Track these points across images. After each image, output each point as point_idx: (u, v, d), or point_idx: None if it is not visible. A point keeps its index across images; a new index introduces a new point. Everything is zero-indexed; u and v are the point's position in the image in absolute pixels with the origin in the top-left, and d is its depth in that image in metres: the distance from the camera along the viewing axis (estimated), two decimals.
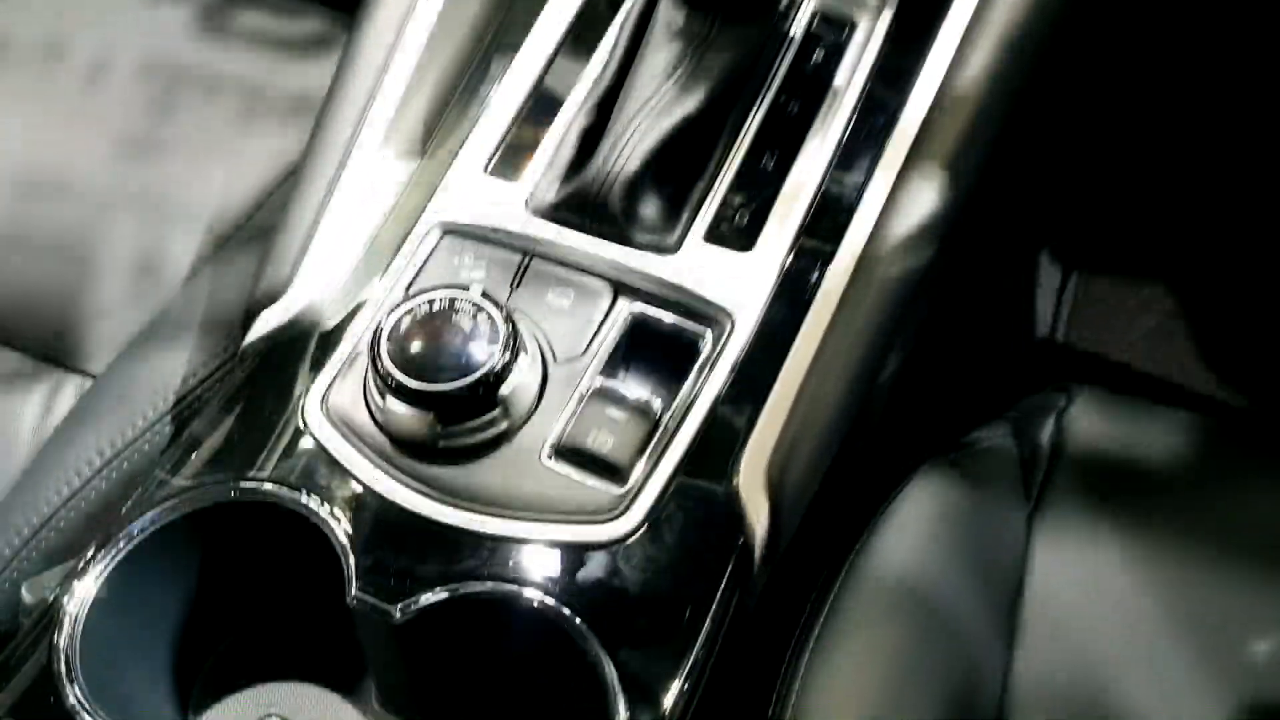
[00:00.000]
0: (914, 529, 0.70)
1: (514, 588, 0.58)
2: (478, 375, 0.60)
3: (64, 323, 0.85)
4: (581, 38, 0.77)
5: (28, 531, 0.70)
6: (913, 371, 0.80)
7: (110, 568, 0.59)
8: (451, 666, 0.62)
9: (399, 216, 0.72)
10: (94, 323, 0.85)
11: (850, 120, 0.72)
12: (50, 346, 0.85)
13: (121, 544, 0.60)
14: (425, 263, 0.70)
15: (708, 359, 0.65)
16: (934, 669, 0.65)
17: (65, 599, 0.58)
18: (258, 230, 0.87)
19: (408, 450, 0.63)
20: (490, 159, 0.74)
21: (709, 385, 0.64)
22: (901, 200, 0.67)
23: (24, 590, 0.65)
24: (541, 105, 0.76)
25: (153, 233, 0.89)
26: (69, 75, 0.98)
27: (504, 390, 0.61)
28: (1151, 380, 1.17)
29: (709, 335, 0.66)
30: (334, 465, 0.62)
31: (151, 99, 0.98)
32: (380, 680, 0.64)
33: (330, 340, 0.68)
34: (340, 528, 0.60)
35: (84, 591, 0.59)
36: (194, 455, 0.64)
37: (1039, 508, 0.74)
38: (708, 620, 0.57)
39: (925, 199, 0.68)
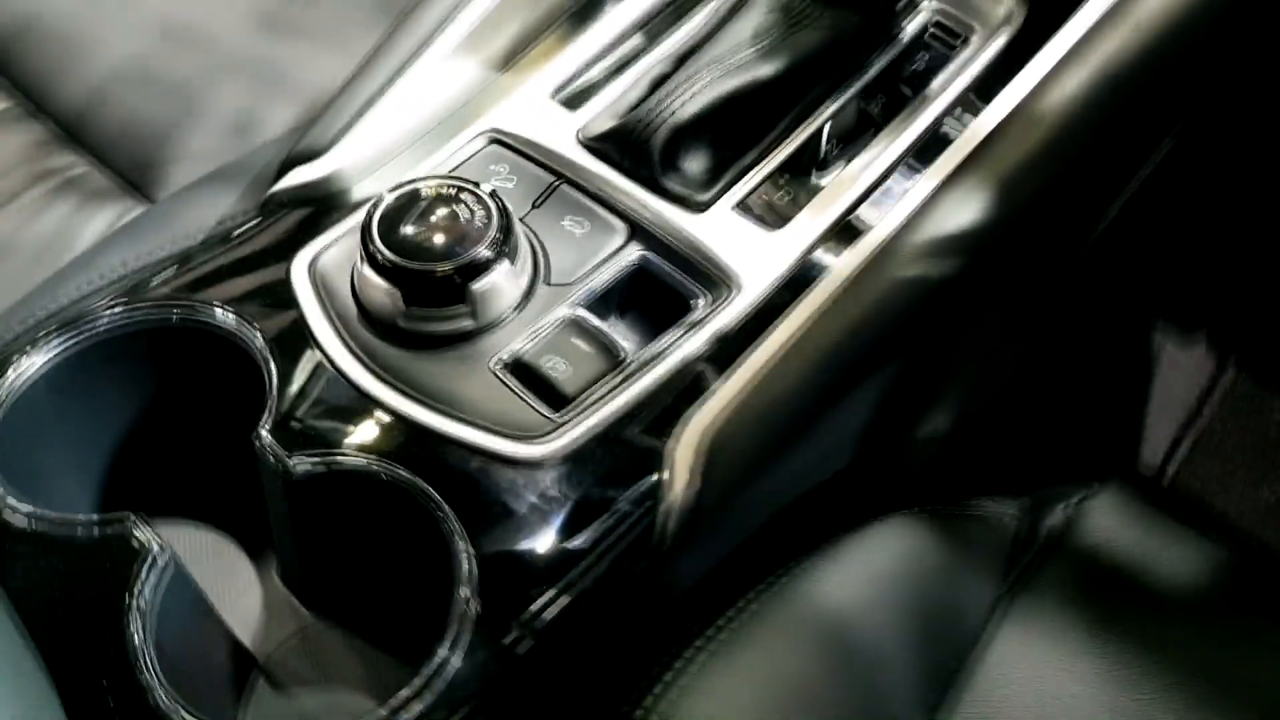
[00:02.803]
0: (868, 569, 0.64)
1: (408, 474, 0.56)
2: (452, 264, 0.59)
3: (155, 157, 0.90)
4: None
5: (41, 314, 0.72)
6: (959, 415, 0.74)
7: (61, 354, 0.61)
8: (335, 546, 0.61)
9: (455, 118, 0.73)
10: (179, 163, 0.89)
11: (928, 131, 0.68)
12: (137, 174, 0.90)
13: (82, 328, 0.62)
14: (463, 162, 0.70)
15: (696, 320, 0.62)
16: (834, 709, 0.59)
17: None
18: None
19: (370, 324, 0.62)
20: (561, 87, 0.73)
21: (685, 345, 0.61)
22: (939, 205, 0.63)
23: None
24: (628, 49, 0.75)
25: (258, 99, 0.92)
26: None
27: (476, 286, 0.60)
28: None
29: (707, 298, 0.63)
30: (297, 317, 0.62)
31: None
32: (278, 545, 0.64)
33: (348, 206, 0.68)
34: (277, 369, 0.60)
35: (27, 364, 0.61)
36: (181, 271, 0.65)
37: (1016, 591, 0.66)
38: (587, 563, 0.54)
39: (966, 209, 0.63)
